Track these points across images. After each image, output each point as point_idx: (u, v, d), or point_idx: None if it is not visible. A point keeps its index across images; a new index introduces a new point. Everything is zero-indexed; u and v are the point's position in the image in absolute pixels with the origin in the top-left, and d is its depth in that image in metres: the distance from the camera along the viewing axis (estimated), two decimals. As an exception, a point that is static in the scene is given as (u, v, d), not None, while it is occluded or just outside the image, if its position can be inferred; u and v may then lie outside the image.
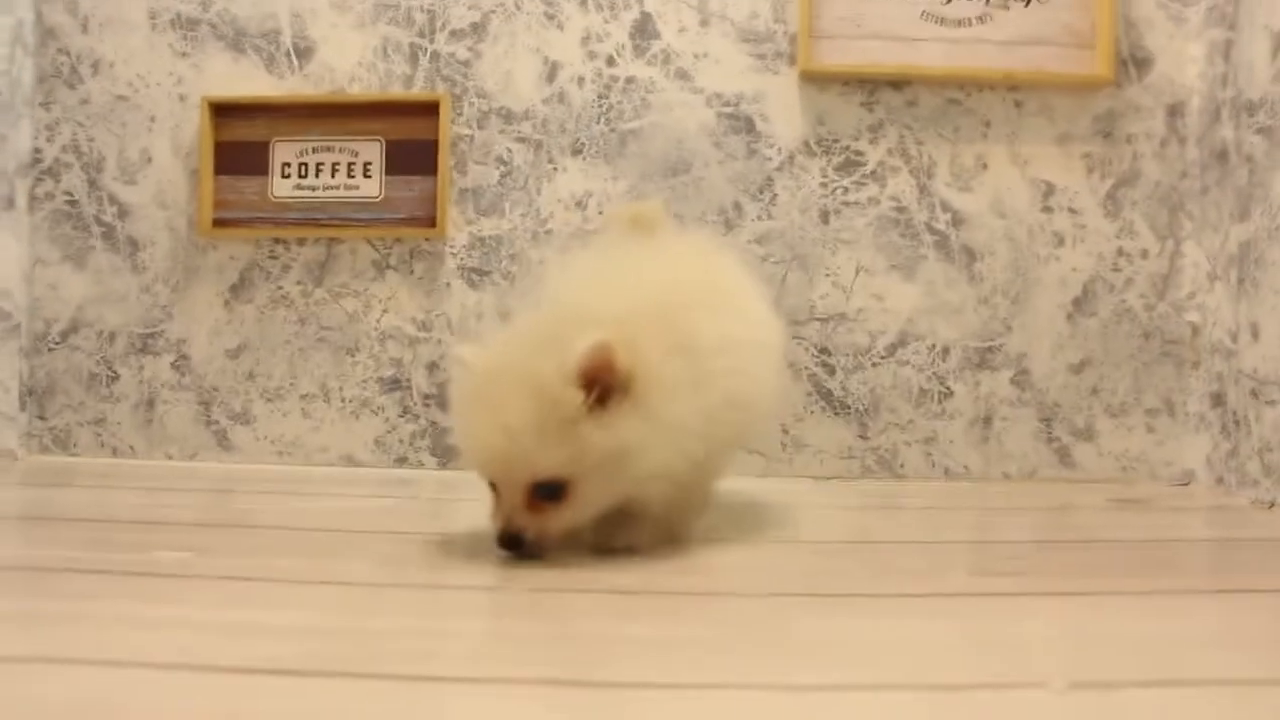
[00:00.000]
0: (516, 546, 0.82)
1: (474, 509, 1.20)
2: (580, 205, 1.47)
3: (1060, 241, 1.47)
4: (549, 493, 0.80)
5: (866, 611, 0.72)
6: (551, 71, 1.48)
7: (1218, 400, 1.43)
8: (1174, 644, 0.66)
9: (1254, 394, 1.35)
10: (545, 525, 0.81)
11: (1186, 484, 1.47)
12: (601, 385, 0.78)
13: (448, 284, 1.49)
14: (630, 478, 0.81)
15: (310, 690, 0.54)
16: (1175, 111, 1.48)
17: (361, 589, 0.78)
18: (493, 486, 0.84)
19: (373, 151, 1.48)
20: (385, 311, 1.49)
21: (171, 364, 1.51)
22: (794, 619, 0.68)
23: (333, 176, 1.48)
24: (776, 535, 1.04)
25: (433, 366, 1.49)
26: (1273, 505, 1.28)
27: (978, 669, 0.61)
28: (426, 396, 1.49)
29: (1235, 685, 0.58)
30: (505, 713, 0.52)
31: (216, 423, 1.50)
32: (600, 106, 1.47)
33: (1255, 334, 1.35)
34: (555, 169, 1.47)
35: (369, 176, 1.48)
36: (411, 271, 1.49)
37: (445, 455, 1.48)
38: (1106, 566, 0.92)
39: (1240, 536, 1.11)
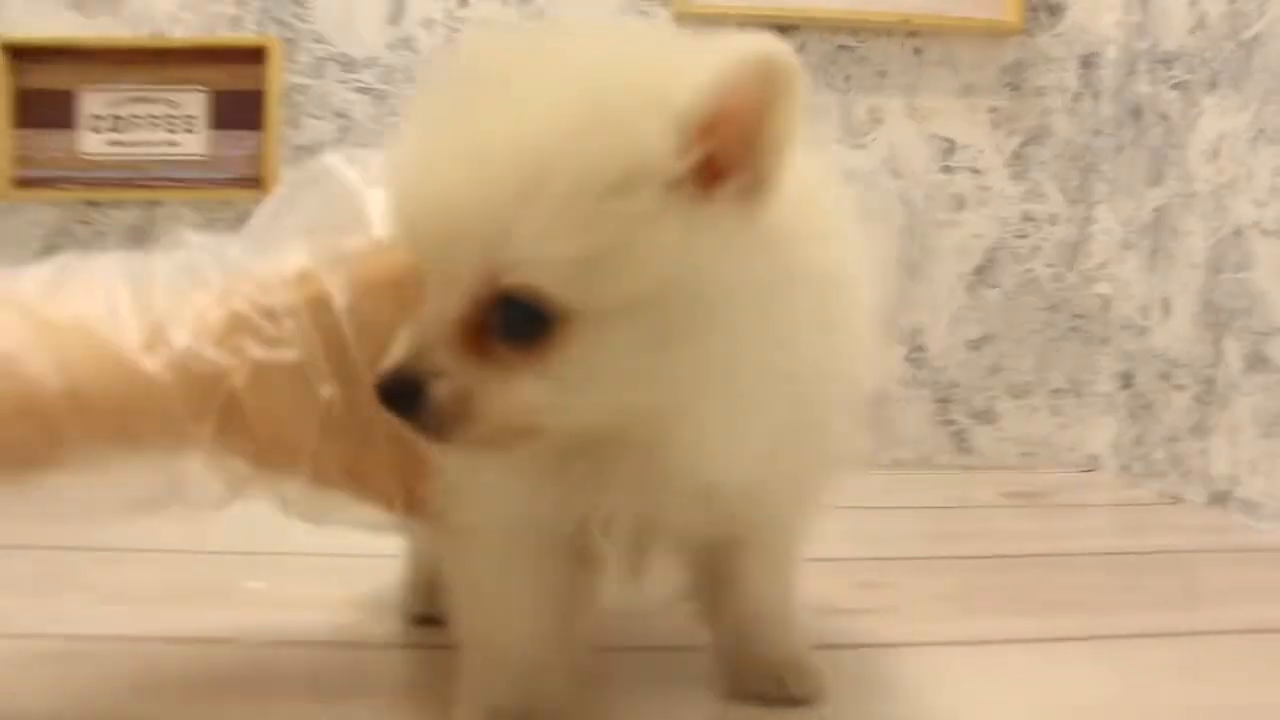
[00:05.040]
0: (406, 402, 0.41)
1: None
2: (429, 165, 1.31)
3: (961, 204, 1.34)
4: (524, 324, 0.40)
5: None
6: (396, 12, 1.31)
7: (1126, 381, 1.32)
8: None
9: (1163, 377, 1.24)
10: (490, 387, 0.41)
11: (1091, 470, 1.35)
12: (723, 151, 0.40)
13: (282, 253, 1.33)
14: (688, 383, 0.41)
15: None
16: (1089, 63, 1.34)
17: None
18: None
19: (196, 103, 1.31)
20: (214, 283, 1.33)
21: (-25, 342, 1.34)
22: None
23: (151, 131, 1.31)
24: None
25: (268, 345, 1.33)
26: (1177, 501, 1.17)
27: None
28: (262, 378, 1.34)
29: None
30: None
31: (29, 407, 1.35)
32: (451, 52, 1.31)
33: (1167, 310, 1.23)
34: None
35: (192, 131, 1.31)
36: (242, 238, 1.33)
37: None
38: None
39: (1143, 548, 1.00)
